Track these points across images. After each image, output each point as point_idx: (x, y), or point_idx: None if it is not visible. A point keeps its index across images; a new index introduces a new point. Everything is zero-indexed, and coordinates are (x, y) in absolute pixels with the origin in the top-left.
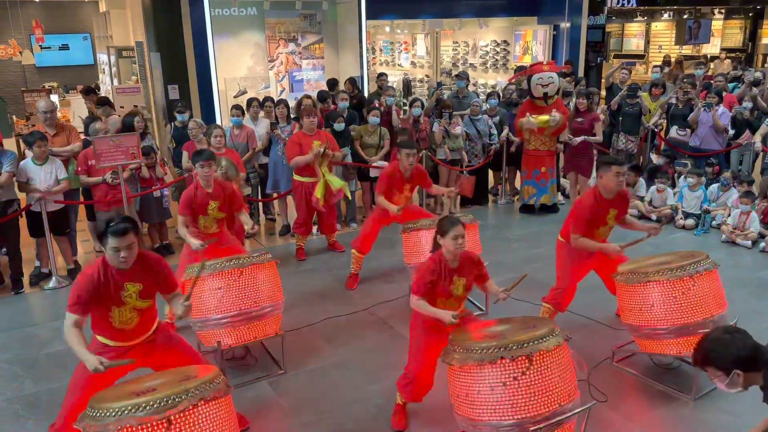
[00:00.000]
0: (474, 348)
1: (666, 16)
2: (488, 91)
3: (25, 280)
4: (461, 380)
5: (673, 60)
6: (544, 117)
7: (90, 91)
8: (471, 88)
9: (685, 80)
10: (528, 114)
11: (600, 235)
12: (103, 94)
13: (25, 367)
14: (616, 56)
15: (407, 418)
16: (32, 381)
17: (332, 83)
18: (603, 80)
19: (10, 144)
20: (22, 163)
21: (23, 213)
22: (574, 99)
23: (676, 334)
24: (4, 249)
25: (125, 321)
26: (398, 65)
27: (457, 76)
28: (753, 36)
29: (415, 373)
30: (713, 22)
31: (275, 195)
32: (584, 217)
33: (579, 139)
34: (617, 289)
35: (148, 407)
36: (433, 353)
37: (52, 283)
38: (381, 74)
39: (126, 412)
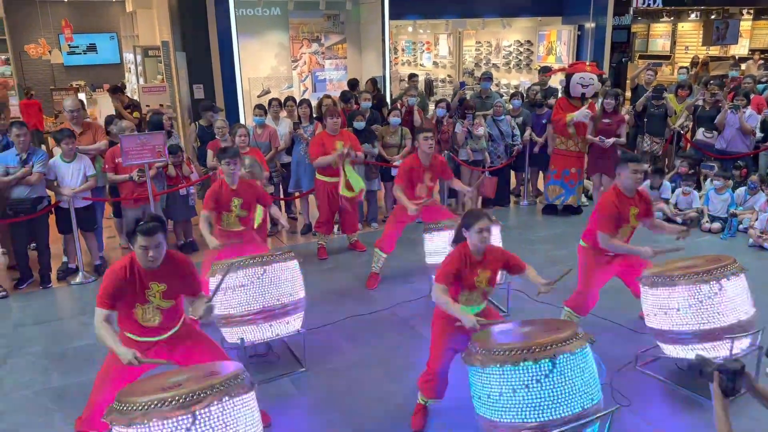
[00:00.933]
0: (496, 350)
1: (693, 16)
2: (511, 91)
3: (53, 275)
4: (483, 382)
5: (699, 61)
6: (594, 114)
7: (117, 90)
8: (494, 88)
9: (711, 82)
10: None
11: (623, 235)
12: (128, 93)
13: (54, 360)
14: (641, 57)
15: (427, 419)
16: (60, 374)
17: (353, 83)
18: (628, 81)
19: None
20: (51, 161)
21: (53, 209)
22: (601, 100)
23: (702, 338)
24: (34, 244)
25: (148, 319)
26: (420, 65)
27: (482, 76)
28: None
29: (436, 370)
30: (741, 23)
31: (297, 194)
32: (610, 214)
33: (611, 140)
34: (642, 293)
35: (173, 402)
36: (453, 355)
37: (79, 278)
38: (412, 75)
39: (152, 406)
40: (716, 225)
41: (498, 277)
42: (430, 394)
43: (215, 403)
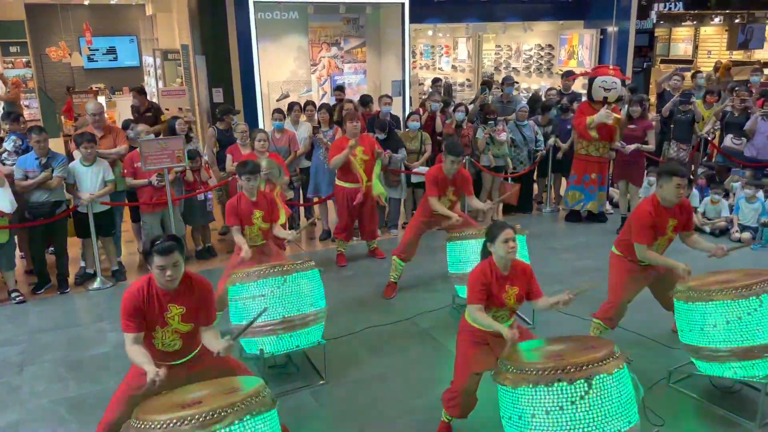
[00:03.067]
0: (529, 369)
1: (716, 20)
2: (536, 97)
3: (71, 280)
4: (514, 402)
5: (721, 66)
6: (617, 115)
7: (143, 91)
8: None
9: (737, 88)
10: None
11: (659, 247)
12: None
13: (70, 368)
14: (662, 61)
15: None
16: (76, 382)
17: (365, 101)
18: (652, 86)
19: (57, 144)
20: (70, 164)
21: (71, 213)
22: (626, 106)
23: (740, 357)
24: (52, 248)
25: (168, 344)
26: (439, 69)
27: (504, 81)
28: None
29: (460, 389)
30: (767, 27)
31: (316, 199)
32: (646, 224)
33: (632, 146)
34: (676, 307)
35: (193, 421)
36: (480, 369)
37: (96, 284)
38: (436, 79)
39: (171, 424)
40: (746, 235)
41: None
42: (453, 412)
43: (236, 422)
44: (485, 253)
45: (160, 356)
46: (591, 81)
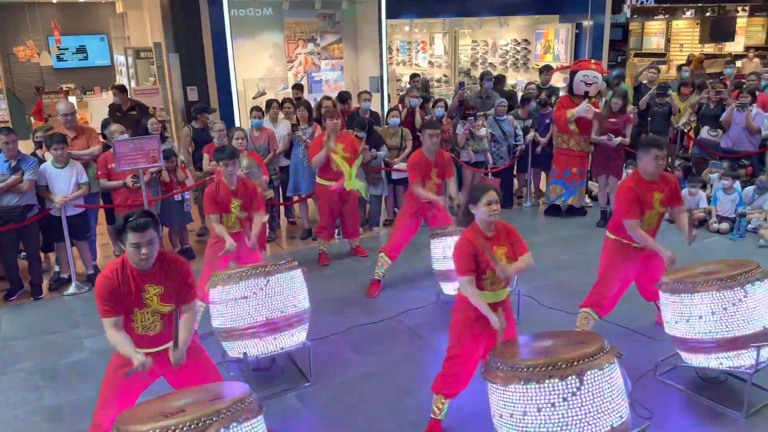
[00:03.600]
0: (520, 366)
1: (688, 14)
2: (512, 90)
3: (44, 285)
4: (505, 399)
5: (694, 59)
6: (597, 110)
7: (123, 89)
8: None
9: (711, 81)
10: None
11: (649, 222)
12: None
13: (45, 377)
14: (636, 55)
15: None
16: (53, 392)
17: (344, 97)
18: (628, 79)
19: (26, 145)
20: (42, 166)
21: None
22: (604, 99)
23: (726, 347)
24: (23, 253)
25: (148, 325)
26: (415, 65)
27: (483, 77)
28: None
29: (455, 363)
30: (737, 20)
31: (296, 198)
32: (628, 198)
33: (618, 139)
34: (661, 299)
35: (177, 430)
36: (475, 344)
37: (71, 289)
38: (414, 75)
39: None
40: (724, 225)
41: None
42: (445, 391)
43: (222, 430)
44: (469, 218)
45: (142, 342)
46: (572, 75)
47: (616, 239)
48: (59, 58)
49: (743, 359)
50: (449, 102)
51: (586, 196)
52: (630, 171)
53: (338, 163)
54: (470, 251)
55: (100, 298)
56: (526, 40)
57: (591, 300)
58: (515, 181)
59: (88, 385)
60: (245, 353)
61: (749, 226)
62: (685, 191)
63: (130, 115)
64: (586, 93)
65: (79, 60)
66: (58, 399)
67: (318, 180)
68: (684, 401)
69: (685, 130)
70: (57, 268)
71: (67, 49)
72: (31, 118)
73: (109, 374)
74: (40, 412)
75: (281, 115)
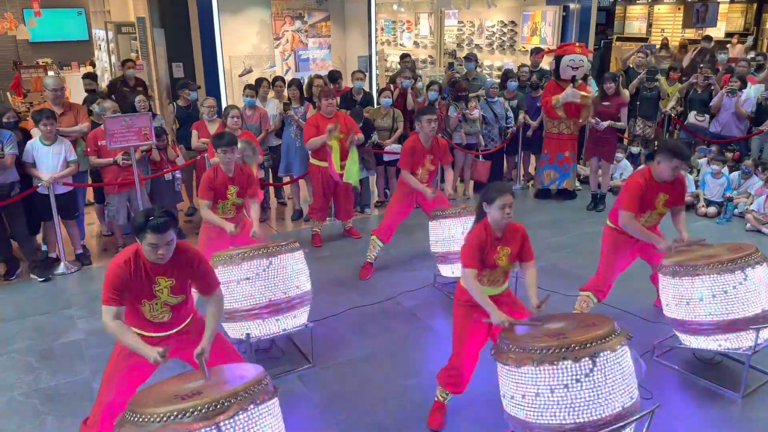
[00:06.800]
0: (533, 348)
1: None
2: (498, 72)
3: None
4: (517, 381)
5: (677, 44)
6: (584, 93)
7: (124, 63)
8: (477, 69)
9: (702, 65)
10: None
11: (649, 221)
12: (98, 72)
13: (40, 358)
14: (618, 39)
15: (446, 417)
16: (49, 373)
17: (334, 76)
18: (612, 63)
19: None
20: (29, 143)
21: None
22: (592, 79)
23: (725, 329)
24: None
25: (156, 315)
26: (400, 45)
27: (465, 58)
28: (758, 20)
29: (459, 364)
30: (719, 6)
31: (288, 179)
32: (634, 194)
33: (605, 123)
34: (661, 282)
35: (195, 413)
36: (478, 340)
37: (60, 269)
38: (404, 55)
39: (172, 417)
40: (712, 209)
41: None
42: (454, 389)
43: (240, 412)
44: (480, 214)
45: (148, 327)
46: (558, 60)
47: (614, 228)
48: (35, 30)
49: (742, 341)
50: (442, 84)
51: (575, 179)
52: (620, 155)
53: (334, 148)
54: (479, 245)
55: (109, 285)
56: (513, 22)
57: (592, 285)
58: (505, 163)
59: (84, 365)
60: (248, 334)
61: (736, 210)
62: None
63: (137, 90)
64: (574, 77)
65: (56, 34)
66: (54, 380)
67: (312, 161)
68: (682, 382)
69: (673, 115)
70: (45, 248)
71: (43, 21)
72: (8, 93)
73: (115, 360)
74: (36, 394)
75: (271, 94)
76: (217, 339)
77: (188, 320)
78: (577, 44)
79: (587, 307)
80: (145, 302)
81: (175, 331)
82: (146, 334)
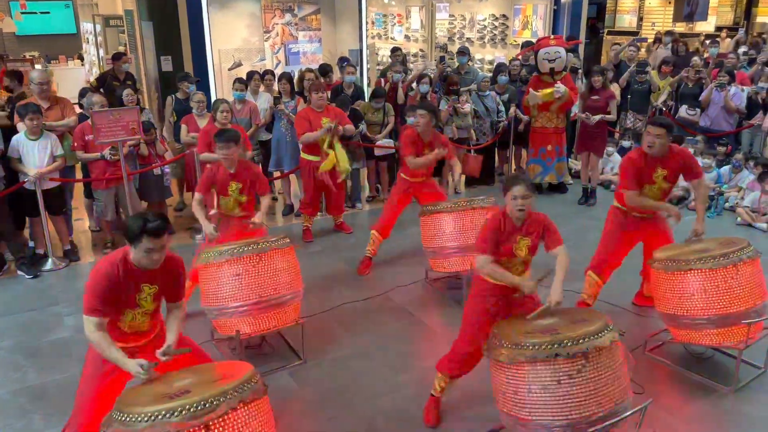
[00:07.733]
0: (525, 344)
1: None
2: (489, 66)
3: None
4: (509, 377)
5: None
6: (548, 90)
7: (117, 57)
8: (469, 63)
9: (695, 58)
10: (531, 90)
11: (651, 197)
12: (87, 65)
13: (27, 355)
14: (609, 32)
15: (440, 412)
16: (36, 371)
17: (324, 69)
18: (603, 57)
19: None
20: (14, 138)
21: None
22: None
23: (717, 324)
24: None
25: (135, 325)
26: (391, 38)
27: (458, 52)
28: (747, 14)
29: (465, 352)
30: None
31: (278, 173)
32: (629, 170)
33: (597, 117)
34: (653, 277)
35: (184, 412)
36: (489, 328)
37: (48, 265)
38: (395, 49)
39: (160, 417)
40: None
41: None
42: (455, 372)
43: (230, 411)
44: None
45: (125, 338)
46: (536, 55)
47: (617, 207)
48: (21, 23)
49: (734, 335)
50: (433, 77)
51: (567, 173)
52: (611, 149)
53: (326, 144)
54: (494, 232)
55: (93, 293)
56: (504, 15)
57: (592, 263)
58: (496, 157)
59: (71, 363)
60: (238, 331)
61: (726, 204)
62: None
63: (126, 84)
64: (552, 69)
65: (43, 27)
66: (42, 378)
67: (303, 155)
68: (674, 377)
69: (664, 109)
70: (32, 244)
71: (30, 14)
72: None
73: (89, 376)
74: (23, 392)
75: (262, 88)
76: (182, 341)
77: (159, 328)
78: (552, 37)
79: (590, 288)
80: (127, 312)
81: (150, 339)
82: (123, 345)
